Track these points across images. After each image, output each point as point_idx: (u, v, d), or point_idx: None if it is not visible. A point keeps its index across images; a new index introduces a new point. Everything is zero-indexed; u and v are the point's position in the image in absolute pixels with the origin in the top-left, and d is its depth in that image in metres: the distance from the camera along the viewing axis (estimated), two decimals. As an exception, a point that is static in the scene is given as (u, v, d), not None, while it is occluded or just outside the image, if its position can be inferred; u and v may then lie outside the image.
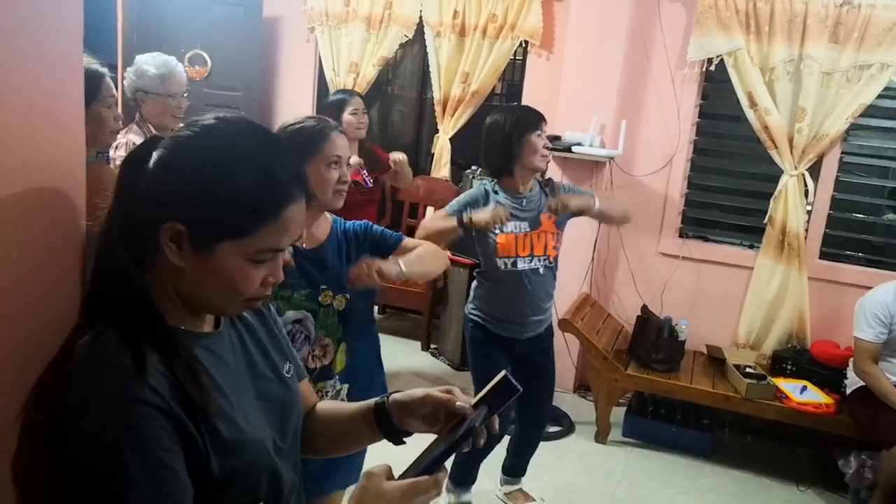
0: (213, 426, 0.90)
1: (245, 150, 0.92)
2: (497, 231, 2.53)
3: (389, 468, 0.96)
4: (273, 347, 1.11)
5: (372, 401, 1.12)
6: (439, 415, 1.05)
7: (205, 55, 4.51)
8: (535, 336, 2.71)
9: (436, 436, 1.04)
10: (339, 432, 1.19)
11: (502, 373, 1.03)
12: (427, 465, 0.95)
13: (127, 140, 2.71)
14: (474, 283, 2.75)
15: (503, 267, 2.58)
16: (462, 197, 2.59)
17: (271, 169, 0.92)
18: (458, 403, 1.01)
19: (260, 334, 1.10)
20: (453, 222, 2.46)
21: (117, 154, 2.70)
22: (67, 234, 1.04)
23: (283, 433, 1.05)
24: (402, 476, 0.96)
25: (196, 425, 0.88)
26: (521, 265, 2.58)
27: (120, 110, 2.40)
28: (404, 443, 1.11)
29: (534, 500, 3.01)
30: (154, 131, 2.76)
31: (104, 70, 2.18)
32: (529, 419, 2.87)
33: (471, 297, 2.75)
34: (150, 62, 2.79)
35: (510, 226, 2.54)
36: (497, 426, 1.02)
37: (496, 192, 2.59)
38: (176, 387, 0.87)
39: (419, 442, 1.06)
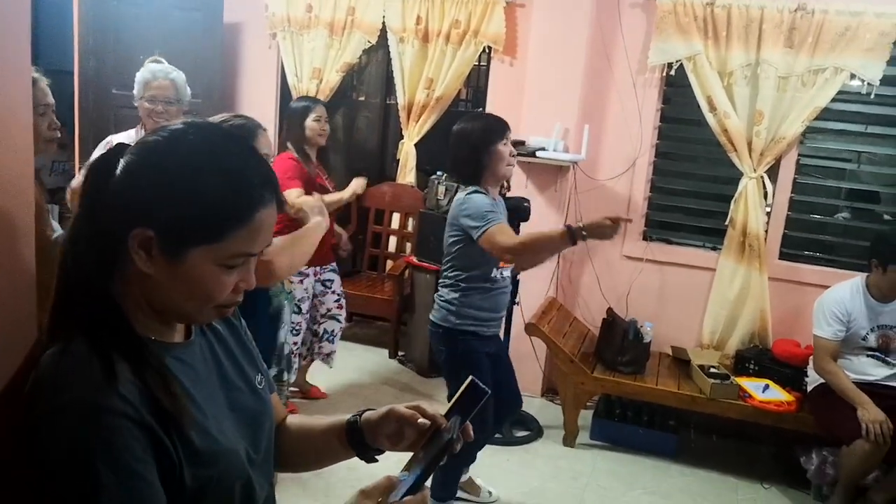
0: (185, 436, 0.88)
1: (215, 154, 0.91)
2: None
3: (388, 482, 0.94)
4: (244, 359, 1.10)
5: (345, 418, 1.11)
6: (404, 432, 1.04)
7: (163, 61, 4.42)
8: (499, 331, 2.87)
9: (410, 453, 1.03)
10: (310, 448, 1.17)
11: (469, 378, 1.04)
12: (411, 485, 0.94)
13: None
14: (452, 295, 2.66)
15: (496, 275, 2.67)
16: (486, 207, 2.52)
17: (242, 173, 0.91)
18: (420, 420, 1.01)
19: (231, 345, 1.08)
20: (562, 235, 2.39)
21: None
22: (17, 250, 1.01)
23: (255, 444, 1.03)
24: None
25: (168, 435, 0.86)
26: (503, 273, 2.71)
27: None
28: (376, 461, 1.10)
29: (480, 488, 3.10)
30: None
31: (36, 76, 2.12)
32: (511, 404, 2.97)
33: (450, 311, 2.66)
34: (142, 69, 2.88)
35: None
36: (472, 433, 1.02)
37: (485, 192, 2.63)
38: (147, 396, 0.85)
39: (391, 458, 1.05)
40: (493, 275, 2.65)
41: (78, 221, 0.92)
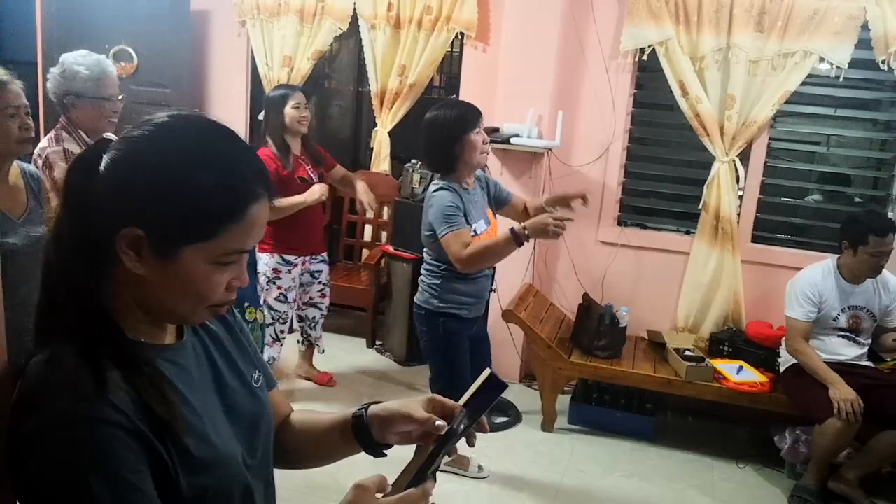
0: (181, 443, 0.85)
1: (204, 147, 0.87)
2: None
3: (382, 480, 0.92)
4: (240, 356, 1.06)
5: (349, 413, 1.08)
6: (419, 431, 1.01)
7: (130, 51, 4.36)
8: (480, 314, 2.90)
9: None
10: (315, 445, 1.14)
11: (487, 371, 1.00)
12: (414, 476, 0.92)
13: (63, 148, 2.51)
14: (434, 281, 2.71)
15: None
16: (447, 209, 2.54)
17: (233, 166, 0.88)
18: (437, 423, 0.98)
19: (225, 343, 1.05)
20: (507, 240, 2.48)
21: (54, 163, 2.47)
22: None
23: (251, 447, 1.00)
24: (392, 486, 0.93)
25: (163, 443, 0.83)
26: None
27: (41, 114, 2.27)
28: (384, 455, 1.07)
29: (470, 462, 3.11)
30: (86, 137, 2.55)
31: (6, 78, 2.07)
32: None
33: (433, 294, 2.72)
34: (80, 62, 2.54)
35: (481, 226, 2.69)
36: (487, 427, 1.00)
37: (454, 188, 2.63)
38: (140, 404, 0.82)
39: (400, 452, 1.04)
40: None
41: (61, 222, 0.88)
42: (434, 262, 2.73)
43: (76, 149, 2.48)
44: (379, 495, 0.90)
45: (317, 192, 3.41)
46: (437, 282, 2.71)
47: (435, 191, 2.62)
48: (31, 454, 0.78)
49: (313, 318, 3.78)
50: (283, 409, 1.17)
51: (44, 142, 2.58)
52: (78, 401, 0.79)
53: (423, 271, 2.79)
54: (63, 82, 2.54)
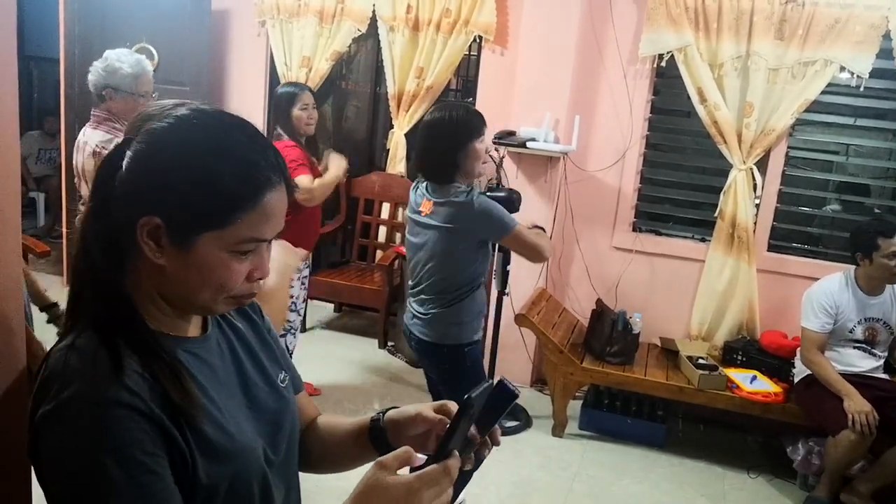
0: (199, 431, 0.86)
1: (221, 137, 0.89)
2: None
3: (407, 453, 0.87)
4: (266, 356, 1.07)
5: (368, 417, 1.08)
6: (432, 435, 1.00)
7: (151, 48, 4.39)
8: None
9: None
10: (336, 449, 1.14)
11: (498, 379, 0.94)
12: (435, 452, 0.87)
13: (112, 136, 2.71)
14: (454, 310, 2.44)
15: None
16: (501, 209, 2.43)
17: (248, 156, 0.89)
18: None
19: (251, 341, 1.06)
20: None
21: (97, 149, 2.68)
22: (3, 242, 1.00)
23: (274, 444, 1.00)
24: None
25: (180, 430, 0.84)
26: None
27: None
28: None
29: None
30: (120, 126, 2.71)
31: None
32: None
33: (457, 325, 2.45)
34: (122, 59, 2.76)
35: None
36: (499, 438, 0.95)
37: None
38: (157, 390, 0.83)
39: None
40: (488, 266, 2.54)
41: (89, 216, 0.90)
42: (455, 290, 2.43)
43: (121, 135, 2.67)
44: (402, 470, 0.86)
45: (343, 164, 3.41)
46: (458, 310, 2.44)
47: (476, 198, 2.35)
48: (47, 435, 0.80)
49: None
50: (311, 411, 1.17)
51: (95, 135, 2.75)
52: (94, 383, 0.80)
53: (434, 304, 2.46)
54: (105, 75, 2.75)
